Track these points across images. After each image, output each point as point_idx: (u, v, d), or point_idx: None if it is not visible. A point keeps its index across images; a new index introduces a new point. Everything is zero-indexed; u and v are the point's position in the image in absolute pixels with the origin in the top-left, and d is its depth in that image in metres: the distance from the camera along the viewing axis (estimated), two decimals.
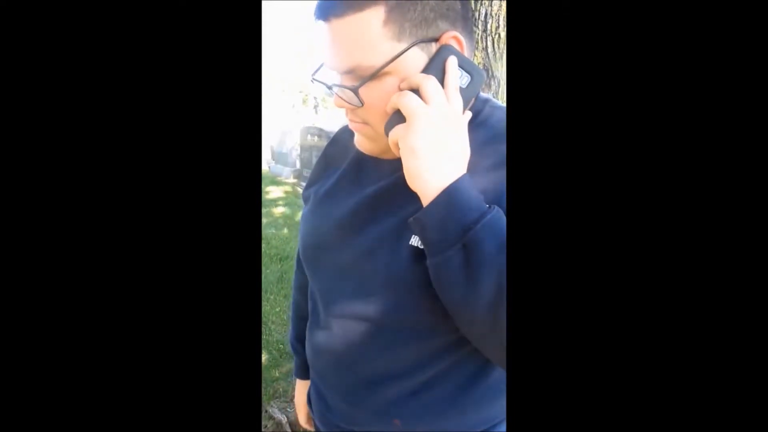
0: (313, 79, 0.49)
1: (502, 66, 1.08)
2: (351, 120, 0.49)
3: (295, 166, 5.92)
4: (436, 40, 0.43)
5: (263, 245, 3.20)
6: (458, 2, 0.44)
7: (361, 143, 0.50)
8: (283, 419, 1.53)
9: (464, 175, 0.41)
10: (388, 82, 0.43)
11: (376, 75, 0.42)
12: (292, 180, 5.73)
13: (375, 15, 0.41)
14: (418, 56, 0.43)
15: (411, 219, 0.42)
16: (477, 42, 1.06)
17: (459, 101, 0.43)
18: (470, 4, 0.47)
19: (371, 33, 0.41)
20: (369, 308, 0.50)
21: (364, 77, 0.43)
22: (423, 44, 0.43)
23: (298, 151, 5.77)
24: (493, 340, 0.40)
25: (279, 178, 5.81)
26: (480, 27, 1.06)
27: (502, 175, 0.44)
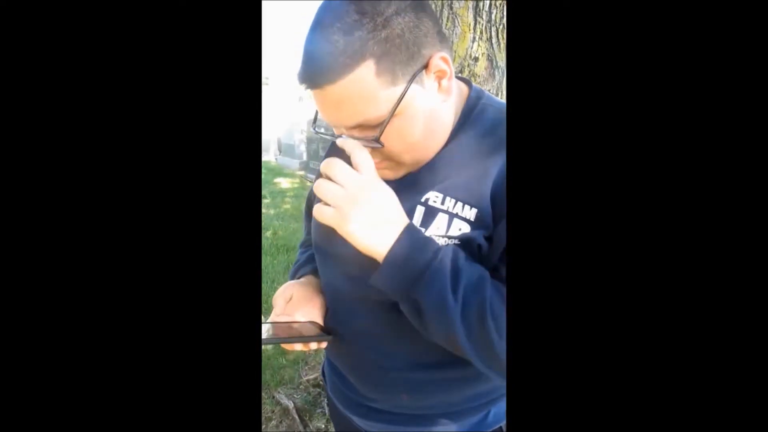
0: (318, 132, 0.51)
1: (506, 56, 1.08)
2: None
3: (302, 157, 5.93)
4: (426, 67, 0.44)
5: (271, 236, 3.23)
6: (429, 20, 0.45)
7: (385, 174, 0.52)
8: (290, 405, 1.56)
9: (403, 231, 0.44)
10: (398, 123, 0.45)
11: (387, 123, 0.43)
12: (299, 172, 5.75)
13: (366, 70, 0.41)
14: (416, 89, 0.44)
15: (369, 281, 0.46)
16: (481, 32, 1.06)
17: (370, 167, 0.45)
18: (436, 14, 0.48)
19: (369, 88, 0.42)
20: (371, 303, 0.53)
21: (372, 126, 0.44)
22: (417, 77, 0.44)
23: (305, 143, 5.78)
24: (471, 358, 0.45)
25: (286, 170, 5.83)
26: (484, 17, 1.05)
27: (491, 172, 0.47)
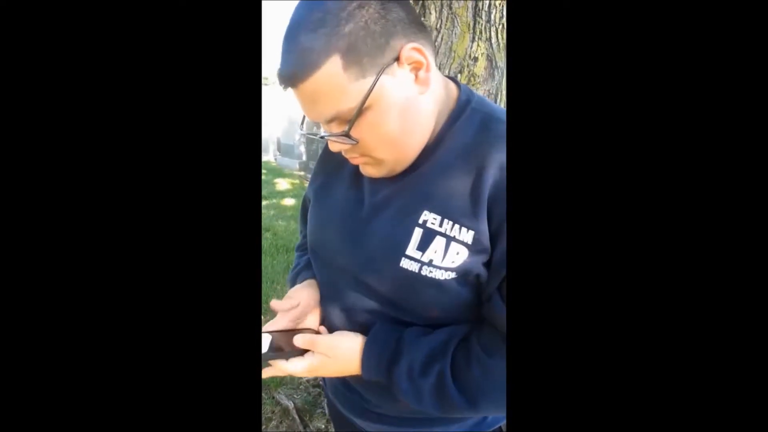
0: (302, 134, 0.52)
1: (505, 56, 1.08)
2: (351, 158, 0.51)
3: (301, 158, 5.93)
4: (397, 59, 0.44)
5: (270, 236, 3.23)
6: (401, 11, 0.44)
7: (367, 171, 0.52)
8: (290, 405, 1.56)
9: (363, 352, 0.52)
10: (371, 116, 0.45)
11: (358, 114, 0.44)
12: (299, 172, 5.75)
13: (333, 65, 0.42)
14: (388, 81, 0.44)
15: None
16: (480, 32, 1.06)
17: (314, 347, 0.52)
18: (410, 4, 0.47)
19: (338, 82, 0.43)
20: (368, 310, 0.54)
21: (347, 120, 0.45)
22: (387, 68, 0.44)
23: (305, 144, 5.78)
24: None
25: (286, 170, 5.84)
26: (483, 17, 1.05)
27: (485, 186, 0.46)
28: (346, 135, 0.45)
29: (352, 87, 0.43)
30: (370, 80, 0.43)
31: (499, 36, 1.07)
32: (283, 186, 4.93)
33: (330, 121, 0.46)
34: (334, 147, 0.49)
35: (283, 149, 6.35)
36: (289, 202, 4.24)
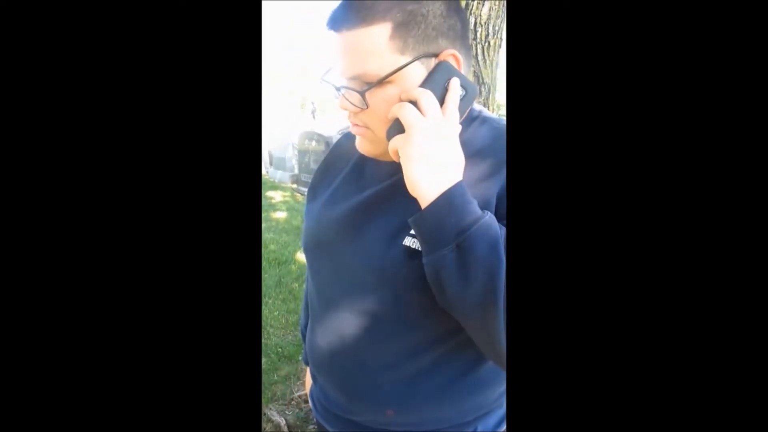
0: (323, 80, 0.53)
1: (491, 72, 1.11)
2: (353, 123, 0.52)
3: (293, 170, 5.93)
4: (436, 56, 0.48)
5: (261, 249, 3.21)
6: (458, 23, 0.48)
7: (362, 146, 0.54)
8: (282, 422, 1.54)
9: (461, 181, 0.45)
10: (390, 91, 0.47)
11: (380, 83, 0.46)
12: (291, 185, 5.75)
13: (382, 30, 0.45)
14: (419, 69, 0.47)
15: (411, 219, 0.46)
16: None
17: (456, 115, 0.47)
18: (468, 24, 0.50)
19: (378, 45, 0.46)
20: (364, 303, 0.53)
21: (369, 83, 0.47)
22: (424, 59, 0.47)
23: (296, 156, 5.79)
24: (487, 339, 0.44)
25: (277, 183, 5.83)
26: (470, 35, 1.08)
27: (489, 185, 0.47)
28: (362, 94, 0.47)
29: (388, 57, 0.46)
30: (406, 59, 0.46)
31: (485, 53, 1.10)
32: (275, 199, 4.92)
33: (353, 78, 0.48)
34: (343, 103, 0.50)
35: (275, 162, 6.35)
36: (280, 215, 4.23)
